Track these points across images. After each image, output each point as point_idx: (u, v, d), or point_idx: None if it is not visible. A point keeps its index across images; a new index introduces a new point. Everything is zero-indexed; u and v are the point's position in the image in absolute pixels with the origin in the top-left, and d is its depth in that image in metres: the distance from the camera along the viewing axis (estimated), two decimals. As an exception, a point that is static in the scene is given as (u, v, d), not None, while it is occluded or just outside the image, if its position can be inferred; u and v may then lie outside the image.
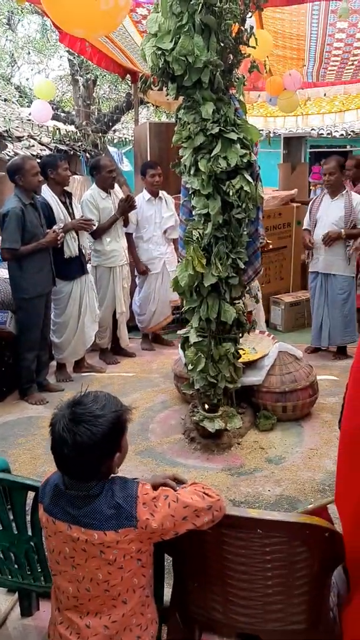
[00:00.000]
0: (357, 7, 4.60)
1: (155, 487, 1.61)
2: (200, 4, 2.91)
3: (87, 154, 8.31)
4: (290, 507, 2.99)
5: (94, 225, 4.90)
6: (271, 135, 10.86)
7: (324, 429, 3.92)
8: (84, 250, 4.89)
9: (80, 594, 1.59)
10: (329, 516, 2.05)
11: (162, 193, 5.64)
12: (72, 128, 9.22)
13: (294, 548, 1.57)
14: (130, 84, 8.62)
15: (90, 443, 1.49)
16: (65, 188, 4.82)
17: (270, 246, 5.07)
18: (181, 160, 3.37)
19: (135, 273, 5.67)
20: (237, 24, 3.17)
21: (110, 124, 10.04)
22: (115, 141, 12.71)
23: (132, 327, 5.91)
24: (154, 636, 1.69)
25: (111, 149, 10.09)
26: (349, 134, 12.37)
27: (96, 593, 1.57)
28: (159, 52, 3.03)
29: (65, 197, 4.78)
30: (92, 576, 1.55)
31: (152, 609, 1.70)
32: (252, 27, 3.29)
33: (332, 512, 2.08)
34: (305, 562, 1.59)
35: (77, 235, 4.75)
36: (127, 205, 5.16)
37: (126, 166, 10.39)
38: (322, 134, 12.13)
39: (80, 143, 8.48)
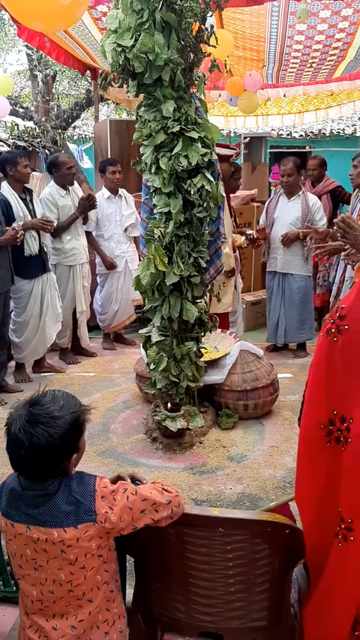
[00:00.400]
0: (315, 9, 4.67)
1: (114, 482, 1.61)
2: (161, 2, 2.90)
3: (47, 151, 8.18)
4: (252, 505, 3.01)
5: (54, 226, 4.82)
6: (232, 135, 10.95)
7: (284, 426, 3.97)
8: (45, 248, 4.82)
9: (44, 597, 1.56)
10: (291, 513, 2.07)
11: (122, 191, 5.60)
12: (30, 124, 9.06)
13: (255, 546, 1.58)
14: (90, 81, 8.54)
15: (47, 445, 1.46)
16: (25, 185, 4.73)
17: (262, 242, 5.09)
18: (142, 158, 3.35)
19: (97, 272, 5.62)
20: (197, 22, 3.17)
21: (70, 120, 9.90)
22: (75, 138, 12.56)
23: (92, 327, 5.86)
24: (123, 630, 1.67)
25: (71, 146, 9.99)
26: (308, 135, 12.57)
27: (60, 594, 1.55)
28: (119, 49, 3.00)
29: (26, 195, 4.70)
30: (55, 577, 1.53)
31: (119, 603, 1.68)
32: (212, 26, 3.29)
33: (293, 508, 2.11)
34: (266, 559, 1.60)
35: (38, 233, 4.67)
36: (87, 204, 5.10)
37: (86, 163, 10.30)
38: (281, 134, 12.29)
39: (39, 139, 8.35)
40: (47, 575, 1.53)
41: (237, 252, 5.27)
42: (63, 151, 8.11)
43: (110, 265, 5.50)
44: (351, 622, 1.51)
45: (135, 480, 1.72)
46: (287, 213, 5.09)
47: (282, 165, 5.09)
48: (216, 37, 3.30)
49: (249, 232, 5.11)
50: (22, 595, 1.66)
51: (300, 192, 5.13)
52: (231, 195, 4.95)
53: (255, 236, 5.05)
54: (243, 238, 5.09)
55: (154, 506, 1.55)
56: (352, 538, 1.43)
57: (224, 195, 3.47)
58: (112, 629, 1.63)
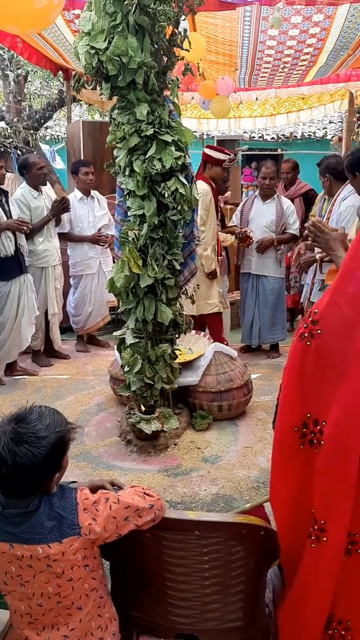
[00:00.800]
0: (287, 14, 4.72)
1: (93, 490, 1.60)
2: (134, 5, 2.91)
3: (18, 151, 8.10)
4: (227, 506, 3.04)
5: (30, 227, 4.77)
6: (204, 137, 11.00)
7: (258, 427, 4.01)
8: (22, 250, 4.76)
9: (32, 610, 1.55)
10: (265, 514, 2.10)
11: (94, 192, 5.59)
12: (2, 124, 8.96)
13: (230, 548, 1.59)
14: (62, 81, 8.48)
15: (30, 465, 1.43)
16: (1, 186, 4.68)
17: (252, 240, 5.13)
18: (116, 160, 3.35)
19: (70, 273, 5.59)
20: (171, 26, 3.19)
21: (42, 120, 9.81)
22: (47, 138, 12.47)
23: (65, 329, 5.82)
24: (116, 633, 1.67)
25: (43, 146, 9.89)
26: (280, 138, 12.70)
27: (49, 606, 1.54)
28: (93, 51, 3.00)
29: (1, 196, 4.65)
30: (43, 591, 1.51)
31: (109, 607, 1.68)
32: (185, 30, 3.32)
33: (267, 510, 2.14)
34: (241, 560, 1.62)
35: (14, 234, 4.62)
36: (61, 206, 5.07)
37: (59, 164, 10.20)
38: (254, 137, 12.39)
39: (10, 140, 8.26)
40: (34, 589, 1.52)
41: (225, 253, 5.33)
42: (35, 152, 8.04)
43: (95, 240, 5.47)
44: (324, 622, 1.53)
45: (114, 485, 1.72)
46: (261, 216, 5.15)
47: (265, 168, 5.14)
48: (189, 41, 3.32)
49: (235, 228, 5.15)
50: (10, 610, 1.64)
51: (275, 196, 5.20)
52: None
53: (243, 235, 5.09)
54: (233, 237, 5.13)
55: (137, 512, 1.54)
56: (325, 539, 1.46)
57: (198, 198, 3.49)
58: (106, 633, 1.63)
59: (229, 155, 4.68)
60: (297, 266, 4.17)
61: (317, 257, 3.78)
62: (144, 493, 1.60)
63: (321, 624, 1.53)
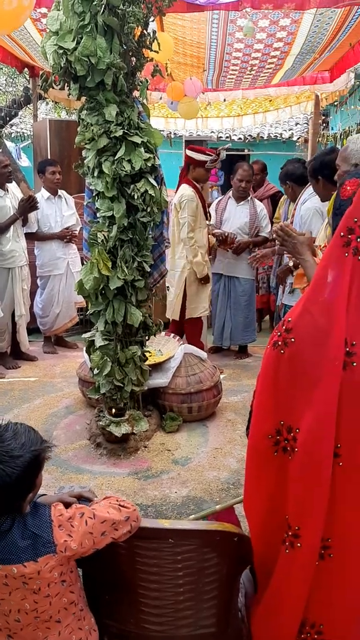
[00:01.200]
0: (255, 18, 4.75)
1: (66, 504, 1.57)
2: (103, 5, 2.88)
3: (-17, 148, 7.95)
4: (197, 508, 3.04)
5: None
6: (172, 136, 10.98)
7: (227, 428, 4.03)
8: None
9: (10, 625, 1.52)
10: (235, 516, 2.12)
11: (61, 192, 5.53)
12: (-34, 120, 8.80)
13: (204, 555, 1.60)
14: (28, 78, 8.35)
15: (3, 485, 1.41)
16: None
17: (234, 245, 5.13)
18: (84, 161, 3.31)
19: (37, 274, 5.51)
20: (140, 27, 3.17)
21: (8, 118, 9.65)
22: (12, 136, 12.26)
23: (32, 330, 5.74)
24: None
25: (8, 144, 9.74)
26: (247, 138, 12.78)
27: (27, 622, 1.51)
28: (61, 51, 2.95)
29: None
30: (20, 607, 1.49)
31: (89, 619, 1.66)
32: (154, 32, 3.30)
33: (238, 512, 2.15)
34: (215, 567, 1.62)
35: None
36: (28, 205, 4.99)
37: (24, 162, 10.06)
38: (221, 137, 12.43)
39: (-26, 136, 8.11)
40: (11, 606, 1.49)
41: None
42: (0, 149, 7.90)
43: (62, 235, 5.41)
44: (298, 626, 1.55)
45: (82, 499, 1.69)
46: (235, 217, 5.18)
47: (242, 170, 5.14)
48: (158, 43, 3.31)
49: (217, 232, 5.14)
50: None
51: (249, 198, 5.24)
52: (172, 197, 4.98)
53: (224, 237, 5.09)
54: (214, 239, 5.14)
55: (114, 525, 1.52)
56: (299, 545, 1.47)
57: (167, 200, 3.48)
58: None
59: (211, 155, 4.65)
60: (276, 277, 4.23)
61: (291, 264, 3.83)
62: (120, 505, 1.58)
63: (295, 628, 1.55)
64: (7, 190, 4.98)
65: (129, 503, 1.60)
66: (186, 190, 4.72)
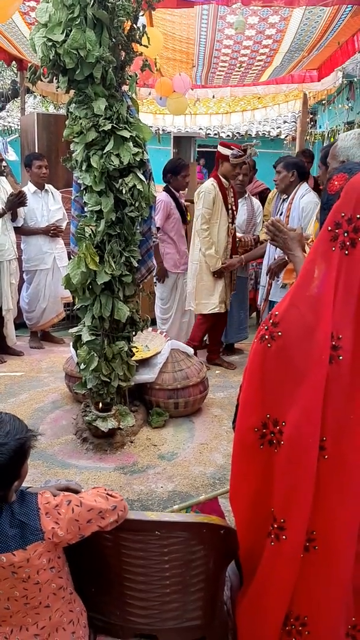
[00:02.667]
0: (244, 15, 4.75)
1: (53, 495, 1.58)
2: (93, -2, 2.86)
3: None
4: (183, 503, 3.04)
5: None
6: (160, 132, 10.96)
7: (213, 423, 4.04)
8: None
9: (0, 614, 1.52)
10: (219, 508, 2.13)
11: (48, 186, 5.50)
12: None
13: (191, 547, 1.61)
14: (16, 71, 8.28)
15: None
16: None
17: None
18: (72, 155, 3.30)
19: (24, 268, 5.48)
20: (129, 21, 3.16)
21: (-5, 111, 9.59)
22: (-1, 129, 12.16)
23: (19, 324, 5.71)
24: (86, 625, 1.68)
25: (-5, 137, 9.66)
26: (235, 136, 12.78)
27: (16, 609, 1.52)
28: (50, 44, 2.93)
29: None
30: (9, 595, 1.49)
31: (78, 602, 1.67)
32: (144, 26, 3.29)
33: (222, 504, 2.16)
34: (201, 559, 1.63)
35: None
36: (17, 200, 4.95)
37: (11, 156, 9.97)
38: (209, 134, 12.42)
39: None
40: (0, 595, 1.49)
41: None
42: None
43: (47, 230, 5.38)
44: (283, 618, 1.57)
45: (69, 491, 1.69)
46: None
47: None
48: (148, 37, 3.30)
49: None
50: None
51: (246, 195, 5.24)
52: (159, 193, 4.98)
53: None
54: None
55: (100, 514, 1.54)
56: (284, 537, 1.49)
57: (155, 195, 3.47)
58: (77, 627, 1.63)
59: (232, 150, 4.65)
60: (268, 271, 4.21)
61: (286, 257, 3.84)
62: (107, 494, 1.59)
63: (279, 620, 1.56)
64: None
65: (116, 493, 1.62)
66: (207, 183, 4.77)
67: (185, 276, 5.15)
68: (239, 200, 5.19)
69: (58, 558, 1.57)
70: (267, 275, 4.30)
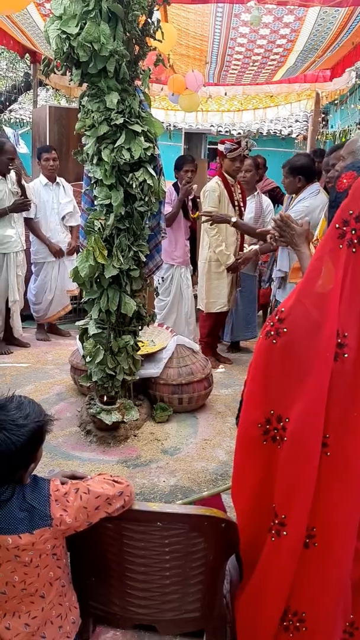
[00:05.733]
0: (260, 12, 4.73)
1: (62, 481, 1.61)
2: (108, -8, 2.87)
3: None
4: (184, 497, 3.05)
5: None
6: (172, 129, 10.95)
7: (217, 420, 4.05)
8: None
9: None
10: (222, 504, 2.14)
11: (60, 179, 5.51)
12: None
13: (192, 539, 1.62)
14: (29, 64, 8.29)
15: (8, 452, 1.44)
16: None
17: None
18: (84, 148, 3.31)
19: (32, 260, 5.51)
20: (144, 15, 3.16)
21: (7, 103, 9.59)
22: (11, 121, 12.17)
23: (26, 317, 5.74)
24: (75, 621, 1.69)
25: (7, 130, 9.67)
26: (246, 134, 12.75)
27: (13, 594, 1.54)
28: (64, 36, 2.94)
29: None
30: (8, 580, 1.51)
31: (70, 595, 1.69)
32: (158, 20, 3.29)
33: (224, 500, 2.17)
34: (202, 552, 1.64)
35: None
36: (21, 205, 4.94)
37: (22, 148, 9.99)
38: (220, 131, 12.41)
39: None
40: None
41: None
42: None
43: (58, 252, 5.41)
44: (281, 613, 1.57)
45: (75, 478, 1.72)
46: None
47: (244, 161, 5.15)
48: (162, 32, 3.30)
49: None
50: None
51: (256, 193, 5.24)
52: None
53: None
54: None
55: (107, 500, 1.56)
56: (284, 533, 1.49)
57: (165, 190, 3.48)
58: (65, 621, 1.64)
59: (224, 145, 4.66)
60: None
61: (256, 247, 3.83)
62: (113, 480, 1.62)
63: (277, 615, 1.57)
64: (6, 177, 4.95)
65: (122, 479, 1.64)
66: (212, 181, 4.79)
67: (182, 269, 5.15)
68: (248, 198, 5.18)
69: (62, 547, 1.60)
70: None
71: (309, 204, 3.95)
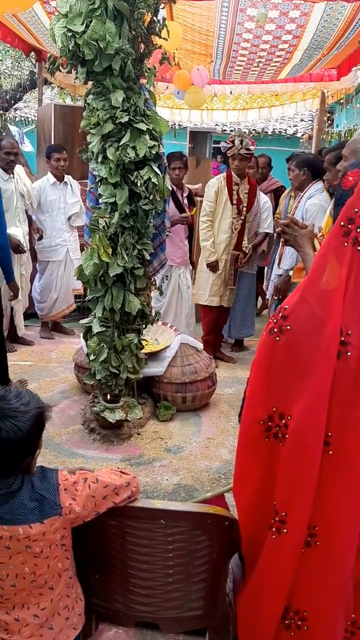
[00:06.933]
0: (266, 8, 4.73)
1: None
2: (113, -10, 2.86)
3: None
4: (188, 496, 3.06)
5: None
6: (177, 127, 10.95)
7: (220, 419, 4.05)
8: None
9: (4, 592, 1.56)
10: (226, 504, 2.14)
11: (68, 178, 5.51)
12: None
13: (195, 537, 1.62)
14: (34, 62, 8.30)
15: (16, 439, 1.47)
16: None
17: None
18: (89, 146, 3.31)
19: (37, 259, 5.51)
20: (149, 13, 3.16)
21: (12, 101, 9.59)
22: (16, 120, 12.19)
23: (30, 315, 5.74)
24: (81, 613, 1.70)
25: (12, 128, 9.69)
26: (251, 132, 12.74)
27: (22, 586, 1.55)
28: (70, 34, 2.94)
29: None
30: (18, 572, 1.53)
31: (77, 587, 1.71)
32: (164, 19, 3.29)
33: (228, 499, 2.17)
34: (205, 550, 1.64)
35: None
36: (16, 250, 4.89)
37: (27, 146, 10.01)
38: (225, 129, 12.40)
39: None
40: (9, 570, 1.52)
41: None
42: (4, 133, 7.87)
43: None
44: (282, 611, 1.57)
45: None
46: None
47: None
48: (167, 30, 3.29)
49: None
50: None
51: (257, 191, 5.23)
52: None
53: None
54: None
55: (115, 490, 1.59)
56: (285, 530, 1.49)
57: (170, 188, 3.48)
58: (72, 613, 1.66)
59: (220, 143, 4.72)
60: (274, 291, 4.35)
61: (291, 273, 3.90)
62: (120, 472, 1.66)
63: (278, 613, 1.57)
64: (13, 174, 4.96)
65: (128, 471, 1.68)
66: (214, 178, 4.89)
67: (181, 269, 5.18)
68: None
69: (70, 538, 1.62)
70: (273, 295, 4.37)
71: (320, 199, 3.99)
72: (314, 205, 4.04)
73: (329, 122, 10.94)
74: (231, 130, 12.47)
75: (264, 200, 5.20)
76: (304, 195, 4.24)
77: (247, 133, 12.26)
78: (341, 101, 8.22)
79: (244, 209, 4.86)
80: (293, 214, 4.24)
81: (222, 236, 4.82)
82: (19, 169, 5.08)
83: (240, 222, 4.83)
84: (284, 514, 1.51)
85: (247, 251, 4.91)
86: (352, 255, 1.40)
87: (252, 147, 4.68)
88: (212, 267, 4.84)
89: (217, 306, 4.97)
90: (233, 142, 4.67)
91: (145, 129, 3.16)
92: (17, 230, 5.00)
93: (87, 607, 1.79)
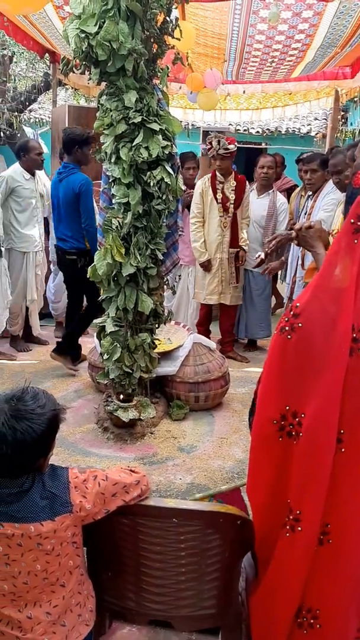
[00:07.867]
0: (279, 8, 4.72)
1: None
2: (126, -10, 2.88)
3: (2, 133, 7.98)
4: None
5: None
6: (190, 127, 10.95)
7: (234, 418, 4.04)
8: None
9: (17, 589, 1.57)
10: (242, 498, 2.13)
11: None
12: (-15, 105, 8.83)
13: (207, 536, 1.62)
14: (49, 64, 8.36)
15: (30, 441, 1.49)
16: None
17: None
18: (102, 147, 3.32)
19: (51, 259, 5.54)
20: (162, 13, 3.17)
21: (27, 103, 9.67)
22: (31, 121, 12.27)
23: (45, 315, 5.78)
24: (93, 609, 1.72)
25: (27, 129, 9.77)
26: (265, 132, 12.71)
27: (34, 584, 1.57)
28: (83, 35, 2.96)
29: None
30: (30, 569, 1.54)
31: (88, 584, 1.73)
32: (177, 19, 3.30)
33: (244, 496, 2.17)
34: (217, 549, 1.64)
35: None
36: None
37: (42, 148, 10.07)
38: (239, 129, 12.38)
39: (-6, 121, 8.15)
40: (21, 568, 1.54)
41: None
42: (19, 134, 7.93)
43: None
44: (295, 610, 1.57)
45: None
46: (253, 210, 5.14)
47: (263, 157, 5.18)
48: (180, 30, 3.30)
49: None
50: None
51: (271, 191, 5.22)
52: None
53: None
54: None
55: (125, 488, 1.61)
56: (299, 529, 1.49)
57: (183, 188, 3.49)
58: (84, 609, 1.67)
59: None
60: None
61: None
62: (130, 470, 1.68)
63: (292, 612, 1.57)
64: (34, 176, 5.00)
65: (139, 470, 1.69)
66: (200, 180, 4.90)
67: (190, 268, 5.26)
68: (262, 195, 5.17)
69: (81, 536, 1.63)
70: (290, 297, 4.37)
71: (338, 195, 3.99)
72: (332, 199, 4.07)
73: (343, 120, 10.87)
74: (244, 130, 12.47)
75: (280, 201, 5.17)
76: (321, 193, 4.24)
77: (260, 132, 12.22)
78: (355, 99, 8.15)
79: (232, 206, 4.87)
80: (310, 213, 4.22)
81: (212, 235, 4.89)
82: (40, 172, 5.13)
83: (229, 219, 4.85)
84: (298, 512, 1.51)
85: (245, 248, 4.92)
86: (364, 252, 1.39)
87: (230, 146, 4.71)
88: (204, 266, 4.91)
89: (218, 304, 5.03)
90: (211, 143, 4.74)
91: (158, 129, 3.17)
92: (34, 231, 5.04)
93: (100, 604, 1.81)
